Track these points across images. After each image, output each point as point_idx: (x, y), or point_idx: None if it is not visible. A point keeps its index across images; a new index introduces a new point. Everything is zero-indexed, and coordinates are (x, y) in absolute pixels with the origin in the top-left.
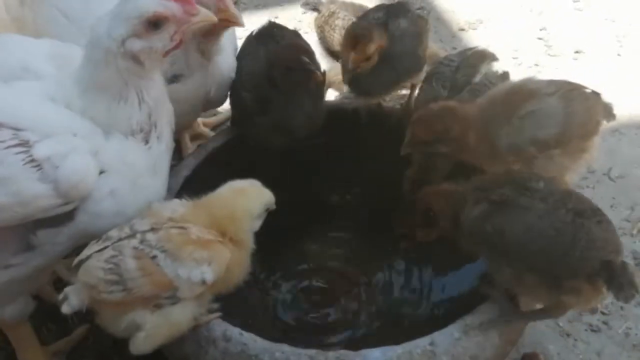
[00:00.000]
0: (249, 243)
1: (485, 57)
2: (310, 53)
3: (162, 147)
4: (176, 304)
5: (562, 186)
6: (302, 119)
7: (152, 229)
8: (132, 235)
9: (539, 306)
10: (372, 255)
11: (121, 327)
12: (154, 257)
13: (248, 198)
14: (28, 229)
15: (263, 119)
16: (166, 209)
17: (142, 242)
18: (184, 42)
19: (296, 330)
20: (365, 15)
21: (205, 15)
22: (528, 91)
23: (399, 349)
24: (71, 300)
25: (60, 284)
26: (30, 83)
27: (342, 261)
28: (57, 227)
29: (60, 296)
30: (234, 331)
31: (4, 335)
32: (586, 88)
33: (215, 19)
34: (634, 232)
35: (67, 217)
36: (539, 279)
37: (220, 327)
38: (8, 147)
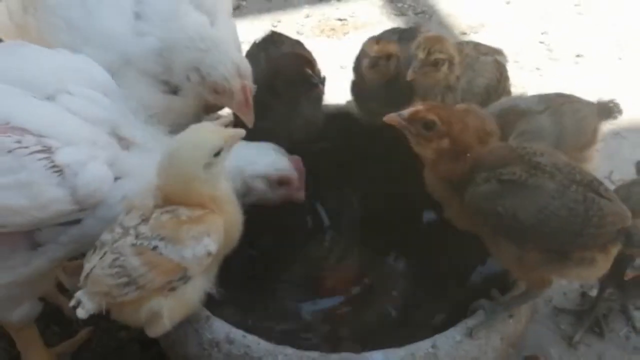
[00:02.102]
0: (229, 199)
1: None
2: (313, 63)
3: None
4: (187, 282)
5: (561, 157)
6: (302, 124)
7: (142, 221)
8: (125, 233)
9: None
10: (373, 259)
11: (141, 319)
12: (155, 247)
13: (180, 160)
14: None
15: (262, 123)
16: (148, 198)
17: (137, 237)
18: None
19: (298, 333)
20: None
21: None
22: (519, 110)
23: (401, 352)
24: (86, 305)
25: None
26: (65, 98)
27: (343, 264)
28: (62, 226)
29: (72, 302)
30: (237, 334)
31: (8, 337)
32: (578, 99)
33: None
34: None
35: (77, 220)
36: (546, 255)
37: (224, 330)
38: (32, 152)
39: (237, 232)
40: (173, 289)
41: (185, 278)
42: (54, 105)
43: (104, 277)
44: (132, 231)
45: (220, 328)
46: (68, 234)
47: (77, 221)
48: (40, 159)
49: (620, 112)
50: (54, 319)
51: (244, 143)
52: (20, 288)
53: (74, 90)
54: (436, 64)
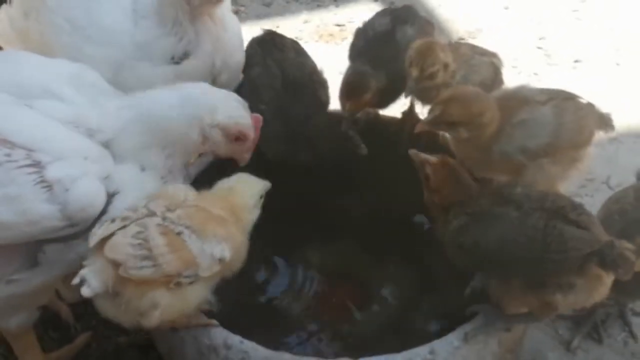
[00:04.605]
0: (247, 231)
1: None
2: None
3: (179, 182)
4: (193, 283)
5: (540, 189)
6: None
7: (168, 210)
8: (151, 214)
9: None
10: (374, 263)
11: (142, 307)
12: (180, 233)
13: (244, 190)
14: (36, 245)
15: (285, 134)
16: (178, 192)
17: (164, 219)
18: (215, 155)
19: (297, 339)
20: (370, 23)
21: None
22: (522, 98)
23: (398, 357)
24: (91, 282)
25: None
26: (48, 104)
27: (344, 269)
28: (65, 243)
29: (76, 280)
30: (235, 339)
31: (6, 344)
32: (580, 98)
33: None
34: None
35: (75, 234)
36: (524, 283)
37: (222, 335)
38: (20, 166)
39: (241, 260)
40: (179, 284)
41: (192, 277)
42: (45, 115)
43: (125, 245)
44: (159, 214)
45: (218, 334)
46: (72, 250)
47: (78, 236)
48: (29, 173)
49: (611, 128)
50: (52, 325)
51: (207, 87)
52: (22, 299)
53: (67, 96)
54: (432, 77)
